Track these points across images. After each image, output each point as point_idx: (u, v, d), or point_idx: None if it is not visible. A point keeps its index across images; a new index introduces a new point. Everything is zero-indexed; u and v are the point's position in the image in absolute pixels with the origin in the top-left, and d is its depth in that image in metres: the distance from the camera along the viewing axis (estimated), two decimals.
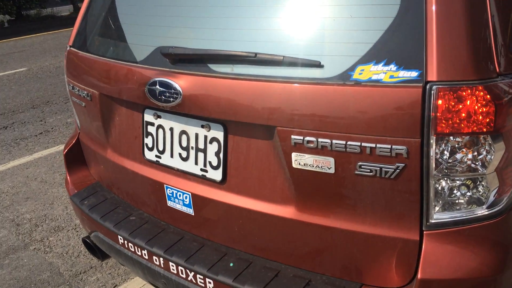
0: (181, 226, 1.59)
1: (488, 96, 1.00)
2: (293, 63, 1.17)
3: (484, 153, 1.05)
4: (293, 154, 1.20)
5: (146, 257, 1.55)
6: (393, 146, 1.06)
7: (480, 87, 1.00)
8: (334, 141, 1.12)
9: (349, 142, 1.11)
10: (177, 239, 1.54)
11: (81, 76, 1.75)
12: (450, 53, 1.00)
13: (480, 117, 1.01)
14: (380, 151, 1.08)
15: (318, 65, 1.13)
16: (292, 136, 1.18)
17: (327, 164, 1.16)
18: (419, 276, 1.10)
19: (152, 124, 1.54)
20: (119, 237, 1.63)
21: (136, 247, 1.57)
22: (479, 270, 1.09)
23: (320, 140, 1.14)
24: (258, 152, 1.31)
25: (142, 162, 1.62)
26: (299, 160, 1.20)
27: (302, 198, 1.25)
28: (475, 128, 1.02)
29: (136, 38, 1.58)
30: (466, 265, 1.09)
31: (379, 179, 1.11)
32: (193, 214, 1.51)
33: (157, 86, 1.38)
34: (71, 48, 1.84)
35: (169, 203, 1.57)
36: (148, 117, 1.54)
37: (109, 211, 1.75)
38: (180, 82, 1.34)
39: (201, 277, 1.39)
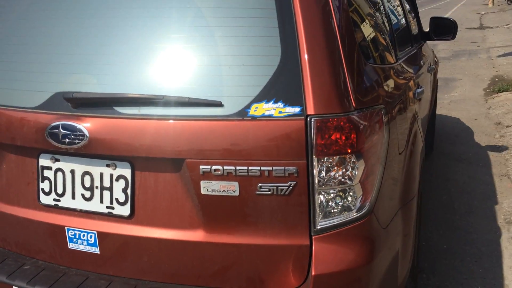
0: (84, 267, 1.56)
1: (348, 125, 1.29)
2: (197, 103, 1.33)
3: (350, 169, 1.32)
4: (202, 182, 1.34)
5: None
6: (286, 168, 1.30)
7: (343, 118, 1.29)
8: (237, 167, 1.31)
9: (250, 167, 1.30)
10: (82, 280, 1.51)
11: None
12: (320, 92, 1.29)
13: (345, 141, 1.29)
14: (276, 173, 1.30)
15: (220, 104, 1.32)
16: (201, 166, 1.33)
17: (232, 188, 1.33)
18: (312, 273, 1.33)
19: (49, 168, 1.52)
20: (15, 282, 1.54)
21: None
22: (356, 261, 1.34)
23: (225, 167, 1.32)
24: (166, 184, 1.41)
25: (37, 208, 1.57)
26: (207, 187, 1.34)
27: (210, 221, 1.38)
28: (342, 150, 1.29)
29: (27, 83, 1.54)
30: (347, 259, 1.34)
31: (276, 196, 1.32)
32: (98, 252, 1.51)
33: (60, 129, 1.41)
34: None
35: (71, 245, 1.54)
36: (44, 161, 1.52)
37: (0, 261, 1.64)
38: (86, 125, 1.40)
39: None
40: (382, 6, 2.21)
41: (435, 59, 3.93)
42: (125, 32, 1.45)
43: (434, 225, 3.05)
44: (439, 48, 11.94)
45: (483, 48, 11.63)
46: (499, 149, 4.37)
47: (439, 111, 5.86)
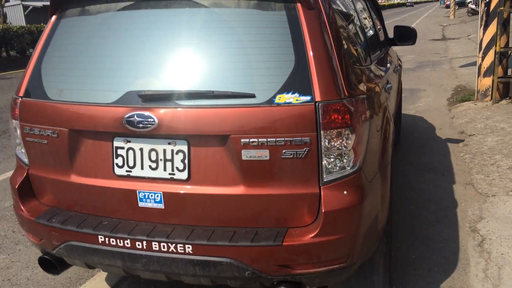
0: (152, 220, 2.02)
1: (343, 108, 1.84)
2: (238, 95, 1.86)
3: (345, 139, 1.85)
4: (242, 151, 1.85)
5: (129, 245, 1.96)
6: (302, 138, 1.82)
7: (339, 103, 1.84)
8: (268, 139, 1.82)
9: (277, 139, 1.82)
10: (152, 228, 1.99)
11: (45, 119, 2.10)
12: (323, 86, 1.83)
13: (342, 120, 1.83)
14: (295, 142, 1.82)
15: (253, 96, 1.84)
16: (241, 140, 1.84)
17: (264, 154, 1.84)
18: (322, 210, 1.86)
19: (122, 147, 2.00)
20: (99, 237, 1.99)
21: (118, 240, 1.96)
22: (351, 201, 1.88)
23: (259, 140, 1.83)
24: (215, 153, 1.91)
25: (113, 178, 2.03)
26: (246, 154, 1.85)
27: (248, 179, 1.89)
28: (339, 126, 1.83)
29: (105, 85, 2.05)
30: (345, 200, 1.88)
31: (295, 159, 1.84)
32: (163, 207, 1.99)
33: (135, 118, 1.90)
34: (24, 98, 2.18)
35: (141, 204, 2.01)
36: (118, 143, 2.00)
37: (81, 222, 2.08)
38: (154, 114, 1.89)
39: (181, 245, 1.90)
40: (358, 20, 2.81)
41: (399, 62, 4.43)
42: (181, 45, 2.00)
43: (403, 236, 3.09)
44: (404, 59, 12.26)
45: (446, 59, 12.02)
46: (463, 157, 4.49)
47: (406, 121, 5.99)
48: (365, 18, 3.18)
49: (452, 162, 4.42)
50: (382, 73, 2.84)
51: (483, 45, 6.34)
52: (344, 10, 2.54)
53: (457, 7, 40.93)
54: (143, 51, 2.01)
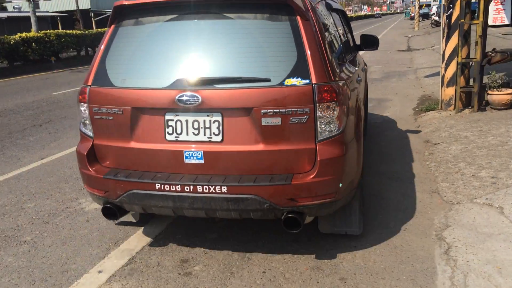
0: (194, 172, 2.75)
1: (331, 88, 2.61)
2: (258, 79, 2.65)
3: (332, 111, 2.62)
4: (262, 118, 2.61)
5: (179, 189, 2.69)
6: (304, 109, 2.59)
7: (328, 85, 2.61)
8: (280, 110, 2.59)
9: (286, 110, 2.59)
10: (195, 177, 2.72)
11: (112, 101, 2.84)
12: (317, 72, 2.61)
13: (330, 97, 2.60)
14: (299, 112, 2.59)
15: (269, 80, 2.63)
16: (262, 110, 2.60)
17: (277, 121, 2.60)
18: (318, 159, 2.64)
19: (172, 120, 2.75)
20: (156, 184, 2.72)
21: (170, 186, 2.69)
22: (337, 153, 2.66)
23: (274, 110, 2.59)
24: (242, 121, 2.66)
25: (164, 142, 2.78)
26: (265, 121, 2.61)
27: (265, 139, 2.65)
28: (328, 100, 2.59)
29: (161, 74, 2.79)
30: (334, 152, 2.65)
31: (299, 124, 2.60)
32: (203, 162, 2.72)
33: (185, 97, 2.65)
34: (93, 87, 2.91)
35: (186, 161, 2.74)
36: (169, 117, 2.75)
37: (141, 175, 2.81)
38: (199, 94, 2.65)
39: (219, 187, 2.63)
40: (336, 30, 3.65)
41: (365, 66, 5.40)
42: (216, 44, 2.78)
43: (372, 245, 3.11)
44: (372, 70, 12.51)
45: (411, 69, 12.34)
46: (429, 166, 4.58)
47: (374, 130, 6.09)
48: (340, 29, 3.99)
49: (419, 170, 4.50)
50: (354, 69, 3.75)
51: (446, 56, 6.53)
52: (327, 22, 3.29)
53: (421, 19, 42.23)
54: (187, 49, 2.83)
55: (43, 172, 5.11)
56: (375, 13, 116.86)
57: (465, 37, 6.37)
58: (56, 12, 36.32)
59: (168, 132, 2.75)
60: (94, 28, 33.09)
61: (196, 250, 3.20)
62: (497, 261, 2.73)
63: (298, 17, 2.69)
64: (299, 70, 2.61)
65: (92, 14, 37.04)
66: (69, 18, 36.02)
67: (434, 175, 4.32)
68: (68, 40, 20.32)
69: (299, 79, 2.59)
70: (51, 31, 20.24)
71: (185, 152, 2.72)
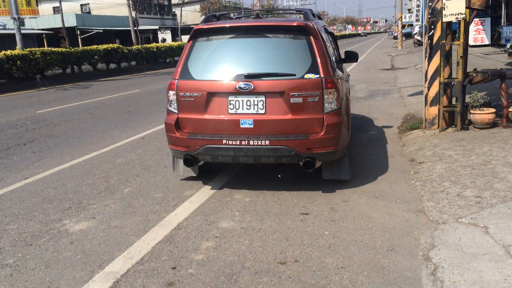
0: (247, 133, 4.22)
1: (332, 80, 4.27)
2: (288, 74, 4.26)
3: (333, 94, 4.26)
4: (291, 98, 4.17)
5: (238, 143, 4.16)
6: (316, 92, 4.20)
7: (330, 78, 4.27)
8: (302, 93, 4.18)
9: (304, 93, 4.18)
10: (247, 137, 4.20)
11: (193, 89, 4.33)
12: (324, 71, 4.25)
13: (331, 86, 4.24)
14: (313, 94, 4.19)
15: (295, 75, 4.24)
16: (291, 93, 4.18)
17: (300, 100, 4.17)
18: (325, 124, 4.22)
19: (233, 100, 4.23)
20: (223, 140, 4.23)
21: (232, 141, 4.16)
22: (337, 120, 4.27)
23: (297, 93, 4.17)
24: (279, 100, 4.20)
25: (227, 115, 4.28)
26: (292, 99, 4.17)
27: (292, 111, 4.20)
28: (330, 88, 4.24)
29: (228, 71, 4.35)
30: (334, 119, 4.25)
31: (313, 102, 4.21)
32: (253, 127, 4.20)
33: (242, 85, 4.17)
34: (180, 80, 4.42)
35: (241, 126, 4.21)
36: (231, 98, 4.24)
37: (212, 135, 4.31)
38: (251, 84, 4.17)
39: (263, 141, 4.15)
40: (331, 45, 5.17)
41: (347, 77, 6.41)
42: (262, 53, 4.44)
43: (359, 267, 3.11)
44: (357, 88, 12.67)
45: (395, 88, 12.53)
46: (414, 185, 4.63)
47: (360, 149, 6.13)
48: (333, 45, 5.60)
49: (404, 189, 4.54)
50: (342, 73, 5.19)
51: (429, 76, 6.66)
52: (326, 40, 4.77)
53: (404, 38, 43.04)
54: (243, 55, 4.48)
55: (26, 193, 5.03)
56: (361, 32, 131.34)
57: (446, 58, 6.51)
58: (42, 29, 36.23)
59: (230, 108, 4.30)
60: (80, 45, 33.14)
61: (182, 272, 3.16)
62: (483, 281, 2.75)
63: (311, 37, 4.34)
64: (313, 69, 4.22)
65: (78, 32, 37.11)
66: (55, 35, 35.91)
67: (419, 194, 4.36)
68: (54, 58, 20.25)
69: (313, 74, 4.21)
70: (37, 48, 20.17)
71: (241, 120, 4.26)
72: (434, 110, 6.68)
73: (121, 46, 25.88)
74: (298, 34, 4.33)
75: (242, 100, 4.23)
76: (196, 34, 4.53)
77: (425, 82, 6.76)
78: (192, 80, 4.37)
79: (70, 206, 4.55)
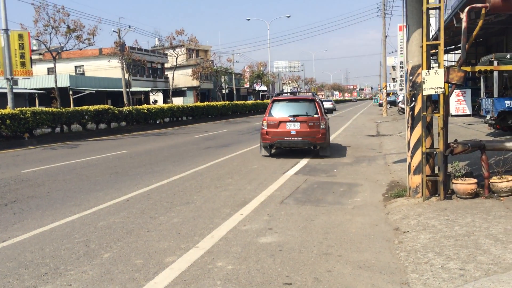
0: (292, 136, 12.33)
1: (324, 119, 12.93)
2: (308, 115, 12.60)
3: (324, 123, 12.81)
4: (309, 123, 12.33)
5: (290, 139, 12.25)
6: (317, 121, 12.51)
7: (323, 118, 12.89)
8: (313, 121, 12.36)
9: (313, 121, 12.35)
10: (293, 137, 12.31)
11: (274, 121, 12.65)
12: (321, 115, 12.77)
13: (324, 120, 13.04)
14: (316, 122, 12.49)
15: (310, 115, 12.59)
16: (309, 122, 12.42)
17: (312, 124, 12.30)
18: (320, 133, 12.31)
19: (288, 123, 12.32)
20: (284, 138, 12.42)
21: (288, 138, 12.27)
22: (325, 132, 12.36)
23: (311, 122, 12.32)
24: (305, 124, 12.33)
25: (286, 129, 12.40)
26: (310, 123, 12.30)
27: (309, 128, 12.25)
28: (322, 120, 12.69)
29: (283, 113, 12.64)
30: (324, 132, 12.33)
31: (316, 125, 12.41)
32: (295, 133, 12.27)
33: (291, 118, 12.37)
34: (268, 117, 12.69)
35: (291, 133, 12.34)
36: (288, 123, 12.35)
37: (279, 137, 12.63)
38: (295, 119, 12.43)
39: (299, 138, 12.26)
40: (322, 105, 14.14)
41: (328, 119, 13.93)
42: (299, 108, 12.83)
43: None
44: (343, 153, 12.87)
45: (380, 155, 12.76)
46: (399, 255, 4.60)
47: (345, 217, 6.13)
48: (323, 105, 13.80)
49: (389, 260, 4.50)
50: (328, 118, 13.84)
51: (411, 145, 6.84)
52: (321, 103, 13.39)
53: (389, 106, 44.47)
54: (291, 109, 12.60)
55: (2, 256, 4.87)
56: (352, 98, 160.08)
57: (428, 128, 6.72)
58: (35, 89, 36.79)
59: (288, 126, 12.06)
60: (71, 105, 33.55)
61: None
62: None
63: (315, 102, 12.63)
64: (316, 113, 12.22)
65: (71, 92, 37.72)
66: (47, 95, 36.47)
67: (404, 265, 4.32)
68: (44, 118, 20.37)
69: (316, 115, 12.16)
70: (27, 108, 20.34)
71: (291, 131, 11.99)
72: (417, 179, 6.78)
73: (112, 107, 26.22)
74: (311, 101, 12.55)
75: (291, 124, 12.02)
76: (274, 99, 13.07)
77: (408, 151, 6.91)
78: (272, 116, 12.32)
79: (46, 272, 4.40)
